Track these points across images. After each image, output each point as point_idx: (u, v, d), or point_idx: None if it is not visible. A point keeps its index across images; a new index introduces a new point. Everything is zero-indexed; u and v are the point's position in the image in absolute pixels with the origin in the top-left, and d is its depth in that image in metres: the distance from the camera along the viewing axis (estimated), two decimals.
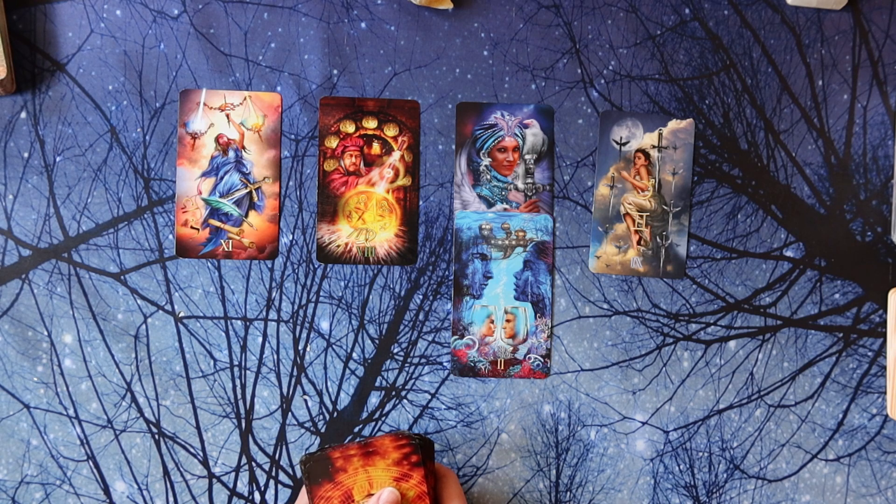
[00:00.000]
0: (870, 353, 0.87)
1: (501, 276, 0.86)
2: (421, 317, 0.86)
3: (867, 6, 0.86)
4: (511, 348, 0.86)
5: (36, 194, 0.85)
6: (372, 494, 0.72)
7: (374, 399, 0.86)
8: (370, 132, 0.86)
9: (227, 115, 0.85)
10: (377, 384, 0.86)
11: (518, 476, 0.87)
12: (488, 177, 0.86)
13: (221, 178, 0.85)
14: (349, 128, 0.86)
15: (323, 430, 0.86)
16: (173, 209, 0.85)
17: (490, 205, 0.86)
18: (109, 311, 0.85)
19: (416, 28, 0.85)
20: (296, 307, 0.85)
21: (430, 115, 0.86)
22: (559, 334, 0.86)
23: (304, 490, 0.74)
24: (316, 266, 0.86)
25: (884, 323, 0.87)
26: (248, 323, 0.85)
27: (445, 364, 0.86)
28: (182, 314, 0.85)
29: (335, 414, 0.86)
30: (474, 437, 0.86)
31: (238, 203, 0.85)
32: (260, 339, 0.85)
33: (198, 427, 0.85)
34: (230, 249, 0.85)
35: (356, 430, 0.86)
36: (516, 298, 0.86)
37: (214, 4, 0.85)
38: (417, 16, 0.86)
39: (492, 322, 0.86)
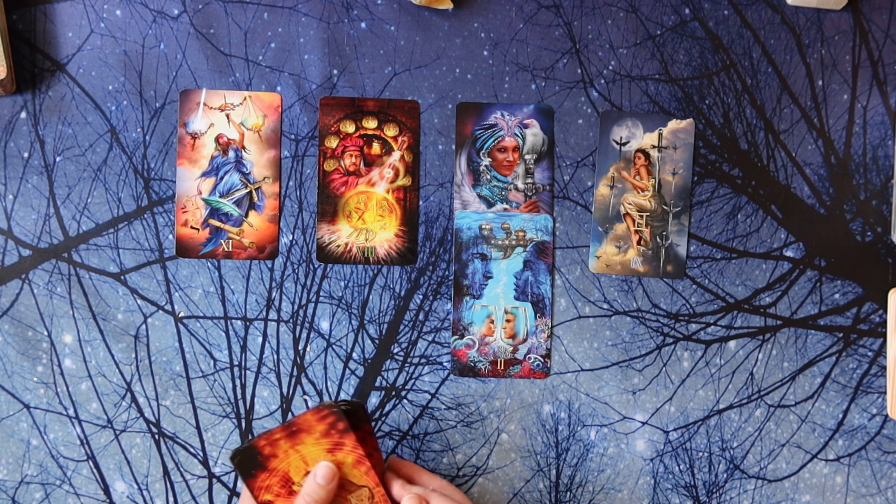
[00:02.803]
0: (870, 353, 0.87)
1: (501, 276, 0.86)
2: (421, 317, 0.86)
3: (867, 6, 0.86)
4: (511, 348, 0.86)
5: (36, 194, 0.85)
6: (310, 472, 0.71)
7: (374, 399, 0.86)
8: (370, 132, 0.86)
9: (227, 115, 0.85)
10: (377, 384, 0.86)
11: (518, 476, 0.87)
12: (488, 177, 0.86)
13: (221, 178, 0.85)
14: (349, 128, 0.86)
15: None
16: (173, 209, 0.85)
17: (490, 205, 0.86)
18: (109, 311, 0.85)
19: (416, 28, 0.85)
20: (296, 307, 0.86)
21: (430, 115, 0.86)
22: (559, 334, 0.86)
23: (244, 487, 0.74)
24: (316, 266, 0.86)
25: (884, 323, 0.87)
26: (248, 323, 0.85)
27: (445, 364, 0.86)
28: (182, 314, 0.85)
29: None
30: (474, 437, 0.86)
31: (238, 203, 0.85)
32: (260, 339, 0.85)
33: (198, 427, 0.85)
34: (230, 249, 0.85)
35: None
36: (516, 298, 0.86)
37: (214, 4, 0.85)
38: (417, 16, 0.86)
39: (492, 322, 0.86)
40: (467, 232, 0.86)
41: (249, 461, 0.72)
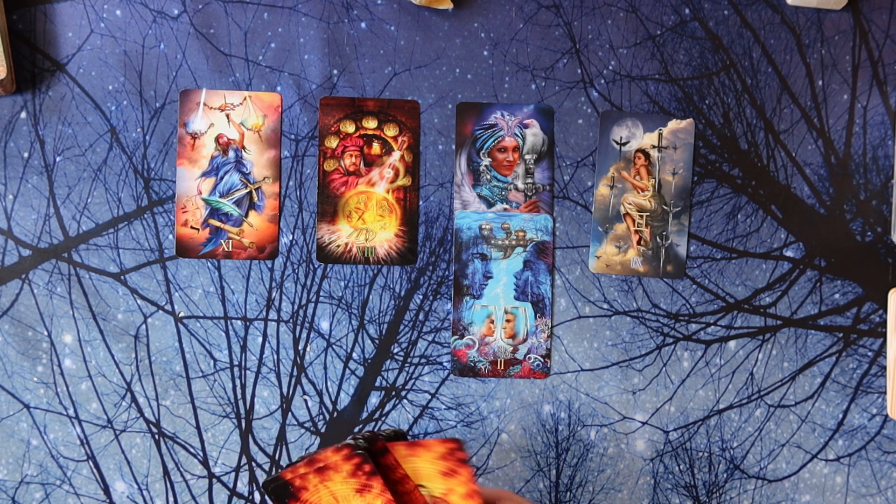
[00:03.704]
0: (870, 353, 0.87)
1: (501, 276, 0.86)
2: (421, 317, 0.86)
3: (867, 6, 0.86)
4: (511, 348, 0.86)
5: (36, 194, 0.85)
6: None
7: (374, 399, 0.86)
8: (370, 132, 0.86)
9: (227, 115, 0.85)
10: (377, 384, 0.86)
11: (518, 476, 0.87)
12: (488, 177, 0.86)
13: (221, 178, 0.85)
14: (349, 128, 0.86)
15: (323, 430, 0.86)
16: (173, 209, 0.85)
17: (490, 205, 0.86)
18: (109, 311, 0.85)
19: (416, 28, 0.85)
20: (296, 307, 0.86)
21: (430, 115, 0.86)
22: (559, 334, 0.86)
23: None
24: (316, 266, 0.86)
25: (884, 323, 0.87)
26: (248, 323, 0.85)
27: (445, 364, 0.86)
28: (182, 314, 0.85)
29: (335, 414, 0.86)
30: (474, 437, 0.86)
31: (238, 203, 0.85)
32: (260, 339, 0.85)
33: (198, 427, 0.85)
34: (230, 249, 0.85)
35: (356, 430, 0.86)
36: (516, 298, 0.86)
37: (214, 4, 0.85)
38: (417, 16, 0.86)
39: (492, 322, 0.86)
40: (467, 232, 0.86)
41: (283, 490, 0.72)
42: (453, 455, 0.72)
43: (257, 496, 0.86)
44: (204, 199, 0.85)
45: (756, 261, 0.87)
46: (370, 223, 0.86)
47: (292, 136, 0.86)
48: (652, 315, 0.87)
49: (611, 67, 0.86)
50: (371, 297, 0.86)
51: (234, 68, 0.85)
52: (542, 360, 0.86)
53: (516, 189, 0.86)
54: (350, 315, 0.86)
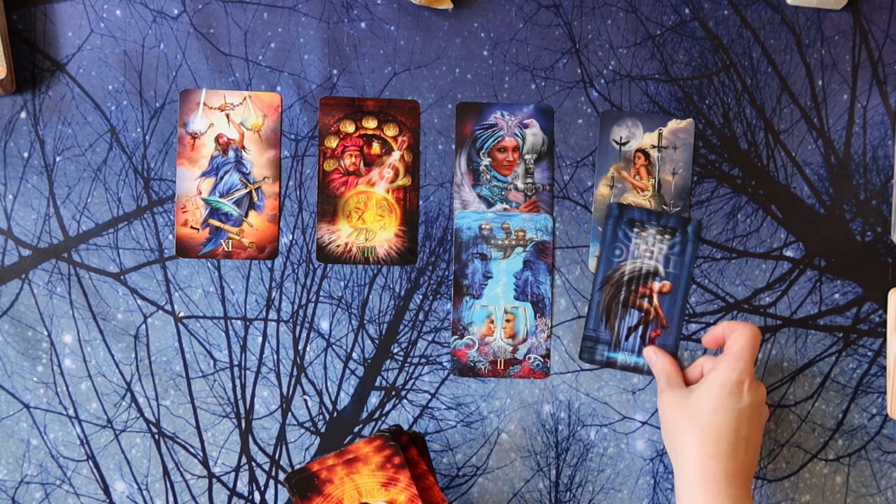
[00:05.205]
0: (870, 353, 0.87)
1: (501, 276, 0.86)
2: (421, 317, 0.86)
3: (867, 6, 0.86)
4: (511, 348, 0.86)
5: (36, 194, 0.85)
6: (364, 503, 0.72)
7: (374, 399, 0.86)
8: (370, 132, 0.86)
9: (227, 115, 0.85)
10: (377, 384, 0.86)
11: (518, 476, 0.87)
12: (488, 177, 0.86)
13: (221, 178, 0.85)
14: (349, 128, 0.86)
15: (323, 430, 0.86)
16: (173, 209, 0.85)
17: (490, 205, 0.86)
18: (109, 311, 0.85)
19: (416, 28, 0.86)
20: (296, 307, 0.86)
21: (430, 115, 0.86)
22: (559, 334, 0.86)
23: None
24: (316, 266, 0.86)
25: (884, 323, 0.87)
26: (248, 323, 0.85)
27: (445, 364, 0.86)
28: (182, 314, 0.85)
29: (335, 414, 0.86)
30: (474, 437, 0.86)
31: (238, 203, 0.85)
32: (260, 339, 0.85)
33: (198, 427, 0.85)
34: (230, 249, 0.85)
35: (356, 430, 0.86)
36: (516, 298, 0.86)
37: (214, 4, 0.85)
38: (417, 16, 0.86)
39: (492, 322, 0.86)
40: (467, 232, 0.86)
41: (306, 483, 0.72)
42: (391, 462, 0.72)
43: (257, 496, 0.86)
44: (204, 199, 0.85)
45: (756, 261, 0.87)
46: (370, 223, 0.86)
47: (292, 136, 0.86)
48: None
49: (611, 67, 0.86)
50: (371, 297, 0.86)
51: (234, 68, 0.85)
52: (542, 360, 0.86)
53: (516, 189, 0.86)
54: (350, 315, 0.86)
